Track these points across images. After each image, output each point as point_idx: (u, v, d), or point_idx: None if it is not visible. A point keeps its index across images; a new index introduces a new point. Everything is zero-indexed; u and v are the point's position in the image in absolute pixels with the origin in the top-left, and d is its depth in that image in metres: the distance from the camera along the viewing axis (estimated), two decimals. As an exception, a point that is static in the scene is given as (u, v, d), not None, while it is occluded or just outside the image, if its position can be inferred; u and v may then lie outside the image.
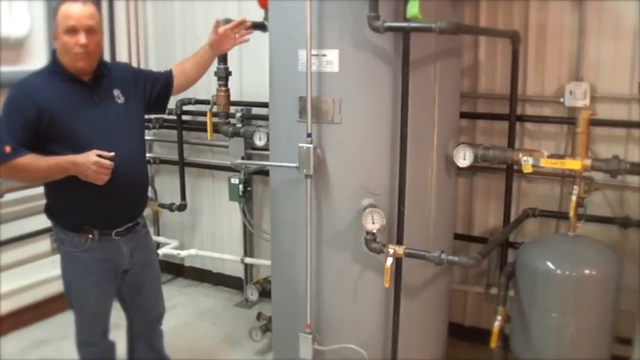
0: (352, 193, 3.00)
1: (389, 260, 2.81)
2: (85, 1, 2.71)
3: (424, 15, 2.68)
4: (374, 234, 2.85)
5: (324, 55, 2.93)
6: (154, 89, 3.06)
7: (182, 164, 4.82)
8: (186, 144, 4.94)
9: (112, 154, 2.67)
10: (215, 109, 4.09)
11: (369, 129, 2.96)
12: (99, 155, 2.63)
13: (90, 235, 2.83)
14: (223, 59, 3.84)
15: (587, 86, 3.45)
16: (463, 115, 3.70)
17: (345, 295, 3.08)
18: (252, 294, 4.36)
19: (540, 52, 3.61)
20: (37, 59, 4.02)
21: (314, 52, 2.93)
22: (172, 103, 4.56)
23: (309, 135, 2.94)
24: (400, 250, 2.80)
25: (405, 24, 2.74)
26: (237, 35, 3.18)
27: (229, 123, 4.00)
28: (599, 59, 3.44)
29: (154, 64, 4.95)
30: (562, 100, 3.53)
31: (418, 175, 3.05)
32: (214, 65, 3.73)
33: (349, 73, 2.92)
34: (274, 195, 3.36)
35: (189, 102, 4.63)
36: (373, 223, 2.82)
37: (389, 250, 2.80)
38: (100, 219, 2.84)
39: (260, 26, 3.42)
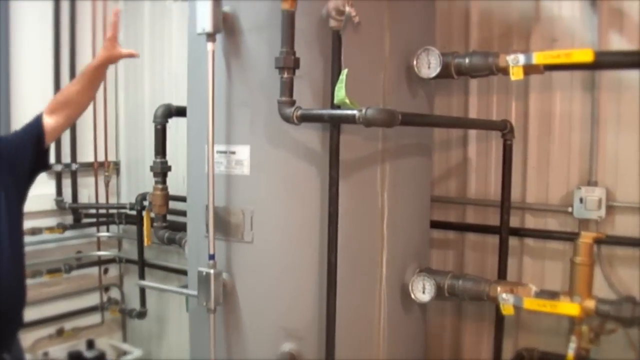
0: (269, 335, 2.26)
1: None
2: None
3: (358, 101, 1.99)
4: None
5: (233, 152, 2.27)
6: (23, 160, 2.36)
7: (142, 265, 4.15)
8: (154, 243, 4.29)
9: None
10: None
11: (290, 250, 2.25)
12: None
13: None
14: (162, 151, 3.20)
15: (602, 192, 2.66)
16: (447, 226, 3.02)
17: None
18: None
19: (543, 148, 2.84)
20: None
21: (221, 148, 2.29)
22: (131, 196, 4.03)
23: (212, 257, 2.23)
24: None
25: (322, 112, 2.05)
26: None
27: (165, 227, 3.31)
28: (618, 158, 2.66)
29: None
30: (570, 210, 2.72)
31: (358, 313, 2.29)
32: (149, 158, 3.12)
33: (263, 176, 2.24)
34: (190, 325, 2.63)
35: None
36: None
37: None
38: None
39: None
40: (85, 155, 4.10)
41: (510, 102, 2.90)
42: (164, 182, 3.21)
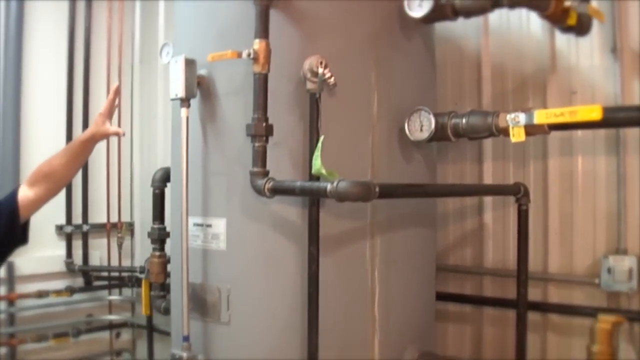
0: None
1: None
2: None
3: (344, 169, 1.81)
4: None
5: (209, 225, 2.09)
6: None
7: (151, 332, 3.98)
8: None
9: None
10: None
11: (269, 333, 2.05)
12: None
13: None
14: (159, 216, 3.06)
15: (632, 261, 2.38)
16: (464, 299, 2.80)
17: None
18: None
19: (565, 212, 2.57)
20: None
21: (197, 220, 2.12)
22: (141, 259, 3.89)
23: (186, 338, 2.05)
24: None
25: (293, 185, 1.85)
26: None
27: (164, 297, 3.13)
28: (651, 222, 2.35)
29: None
30: (597, 281, 2.42)
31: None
32: (142, 226, 2.98)
33: (239, 252, 2.06)
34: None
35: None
36: None
37: None
38: None
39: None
40: (98, 215, 3.99)
41: (528, 163, 2.64)
42: (161, 249, 3.06)
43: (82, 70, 3.91)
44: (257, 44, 1.89)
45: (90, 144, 2.26)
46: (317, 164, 1.85)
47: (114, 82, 3.99)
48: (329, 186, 1.72)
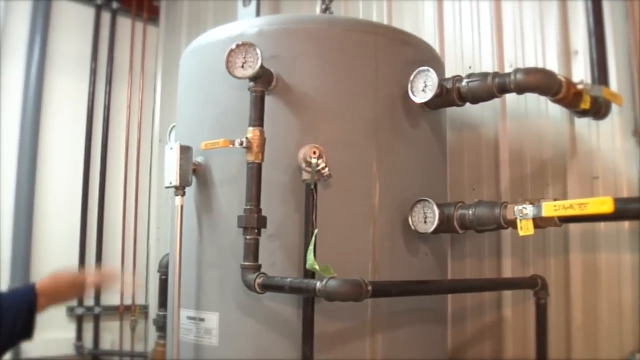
0: None
1: None
2: None
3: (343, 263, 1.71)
4: None
5: (202, 319, 1.99)
6: (10, 327, 2.13)
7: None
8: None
9: None
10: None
11: None
12: None
13: None
14: (165, 303, 2.96)
15: (665, 364, 2.14)
16: None
17: None
18: None
19: (589, 305, 2.38)
20: None
21: (191, 314, 2.01)
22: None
23: None
24: None
25: (283, 282, 1.74)
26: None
27: (167, 386, 3.01)
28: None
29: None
30: (627, 383, 2.21)
31: None
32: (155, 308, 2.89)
33: (232, 349, 1.95)
34: None
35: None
36: None
37: None
38: None
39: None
40: (111, 298, 3.91)
41: (549, 256, 2.48)
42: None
43: (100, 147, 3.95)
44: (251, 133, 1.83)
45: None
46: (310, 258, 1.75)
47: (132, 161, 4.01)
48: (318, 284, 1.61)
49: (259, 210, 1.81)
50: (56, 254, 3.64)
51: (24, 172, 3.61)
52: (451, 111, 2.40)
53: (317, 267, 1.72)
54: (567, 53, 2.51)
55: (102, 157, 3.94)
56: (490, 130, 2.71)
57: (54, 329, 3.59)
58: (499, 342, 2.61)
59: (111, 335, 3.92)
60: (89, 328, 3.82)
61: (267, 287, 1.75)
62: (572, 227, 2.39)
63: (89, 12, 4.02)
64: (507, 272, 2.57)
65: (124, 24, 4.16)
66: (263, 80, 1.85)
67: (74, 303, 3.72)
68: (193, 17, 4.19)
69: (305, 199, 1.84)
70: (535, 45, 2.61)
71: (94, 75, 3.96)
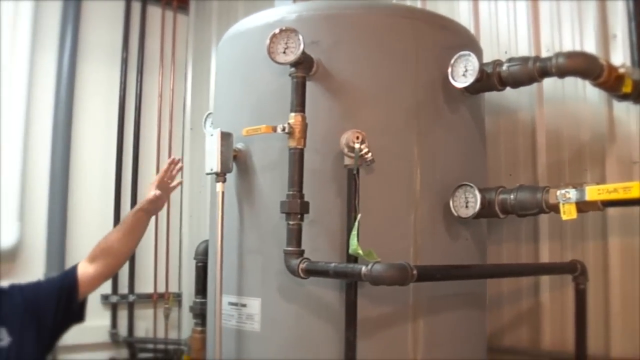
0: None
1: None
2: None
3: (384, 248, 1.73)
4: None
5: (244, 305, 2.00)
6: (46, 312, 2.18)
7: (195, 408, 3.85)
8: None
9: None
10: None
11: None
12: None
13: None
14: (202, 290, 2.97)
15: None
16: None
17: None
18: None
19: (627, 291, 2.35)
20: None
21: (232, 299, 2.04)
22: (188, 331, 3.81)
23: None
24: None
25: (327, 266, 1.75)
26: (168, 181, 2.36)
27: (205, 374, 3.03)
28: None
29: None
30: (668, 371, 2.19)
31: None
32: (190, 298, 2.90)
33: (274, 334, 1.97)
34: None
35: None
36: None
37: None
38: None
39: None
40: (144, 285, 3.96)
41: (587, 240, 2.46)
42: (203, 324, 2.95)
43: (132, 136, 3.98)
44: (293, 118, 1.83)
45: (141, 215, 2.25)
46: (354, 243, 1.75)
47: (164, 149, 4.04)
48: (363, 269, 1.62)
49: (302, 196, 1.82)
50: (90, 241, 3.66)
51: (58, 161, 3.66)
52: (487, 96, 2.38)
53: (360, 251, 1.73)
54: (605, 37, 2.47)
55: (134, 145, 3.98)
56: (526, 114, 2.69)
57: (89, 317, 3.54)
58: (536, 328, 2.59)
59: (145, 323, 3.96)
60: (123, 315, 3.87)
61: (311, 272, 1.76)
62: (611, 211, 2.37)
63: (119, 2, 4.04)
64: (544, 257, 2.56)
65: (154, 12, 4.18)
66: (304, 65, 1.86)
67: (109, 291, 3.76)
68: (223, 5, 4.19)
69: (347, 184, 1.84)
70: (572, 29, 2.58)
71: (125, 65, 3.99)
